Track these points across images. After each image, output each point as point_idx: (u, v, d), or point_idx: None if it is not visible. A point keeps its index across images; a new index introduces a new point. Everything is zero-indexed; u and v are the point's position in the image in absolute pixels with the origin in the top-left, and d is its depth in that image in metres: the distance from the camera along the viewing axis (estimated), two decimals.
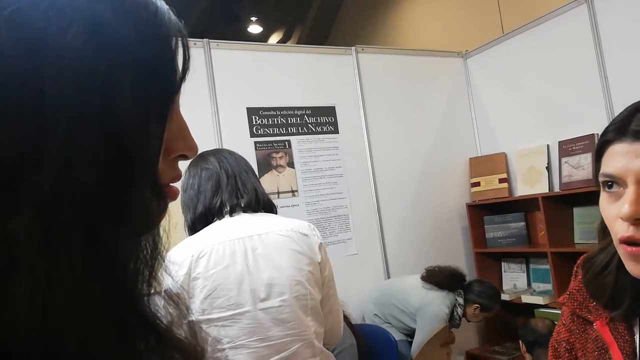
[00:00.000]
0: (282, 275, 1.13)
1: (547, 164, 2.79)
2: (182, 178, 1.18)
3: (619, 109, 2.51)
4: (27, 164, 0.28)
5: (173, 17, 0.39)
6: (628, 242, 0.62)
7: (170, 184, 0.42)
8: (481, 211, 3.12)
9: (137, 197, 0.34)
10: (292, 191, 2.66)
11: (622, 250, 0.65)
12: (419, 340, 2.37)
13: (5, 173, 0.27)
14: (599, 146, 0.69)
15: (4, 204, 0.27)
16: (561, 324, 0.85)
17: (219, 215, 1.18)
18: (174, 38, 0.38)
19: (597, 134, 2.54)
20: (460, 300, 2.46)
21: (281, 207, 2.61)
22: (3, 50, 0.28)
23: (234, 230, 1.14)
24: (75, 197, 0.29)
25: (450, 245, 3.08)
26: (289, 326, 1.12)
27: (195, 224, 1.19)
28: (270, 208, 1.26)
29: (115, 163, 0.32)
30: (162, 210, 0.39)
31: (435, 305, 2.39)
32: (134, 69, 0.33)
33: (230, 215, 1.17)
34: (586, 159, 2.55)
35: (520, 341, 2.27)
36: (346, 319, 2.13)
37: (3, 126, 0.28)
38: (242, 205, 1.19)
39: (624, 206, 0.61)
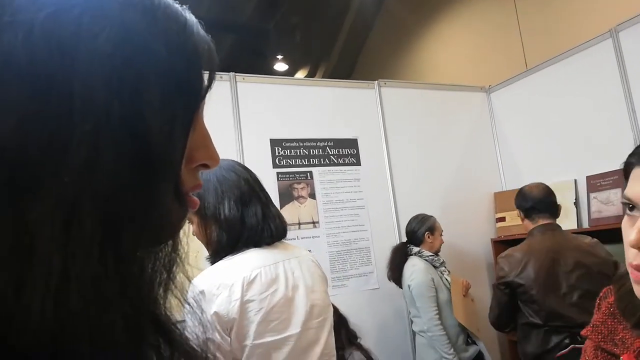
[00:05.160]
0: (318, 297, 1.18)
1: (575, 199, 2.72)
2: (210, 197, 1.16)
3: None
4: (52, 160, 0.29)
5: (201, 30, 0.40)
6: (637, 269, 0.63)
7: (191, 194, 0.42)
8: (507, 247, 3.03)
9: (159, 200, 0.34)
10: (313, 222, 2.65)
11: (630, 274, 0.66)
12: (429, 315, 2.37)
13: (31, 166, 0.28)
14: (625, 167, 0.69)
15: (28, 196, 0.28)
16: None
17: (259, 242, 1.16)
18: (201, 50, 0.39)
19: None
20: (415, 250, 2.54)
21: (302, 238, 2.60)
22: (36, 51, 0.29)
23: (271, 254, 1.16)
24: (97, 196, 0.30)
25: (474, 282, 2.99)
26: (325, 346, 1.17)
27: (231, 249, 1.15)
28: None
29: (139, 166, 0.32)
30: (183, 217, 0.39)
31: (410, 274, 2.46)
32: (162, 77, 0.34)
33: (268, 243, 1.18)
34: (616, 195, 2.49)
35: (518, 211, 2.24)
36: (365, 352, 2.08)
37: (32, 122, 0.29)
38: (275, 234, 1.19)
39: (632, 233, 0.61)
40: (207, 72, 0.39)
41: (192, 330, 0.38)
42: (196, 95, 0.38)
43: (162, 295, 0.35)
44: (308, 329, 1.14)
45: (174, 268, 0.36)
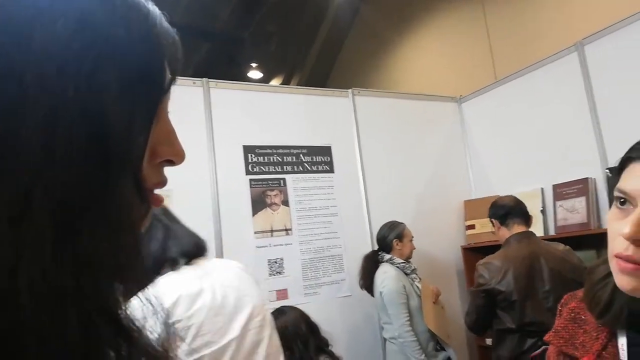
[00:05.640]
0: (252, 299, 1.19)
1: (542, 207, 2.79)
2: None
3: (611, 153, 2.55)
4: (3, 148, 0.27)
5: (165, 23, 0.39)
6: (625, 259, 0.64)
7: (155, 191, 0.41)
8: (476, 254, 3.08)
9: (117, 196, 0.33)
10: (286, 230, 2.64)
11: (614, 264, 0.67)
12: (400, 321, 2.40)
13: None
14: (622, 161, 0.70)
15: None
16: None
17: (171, 265, 1.17)
18: (165, 42, 0.38)
19: (591, 178, 2.58)
20: (387, 257, 2.57)
21: (275, 245, 2.58)
22: None
23: (192, 271, 1.16)
24: (50, 187, 0.28)
25: (444, 289, 3.02)
26: (269, 345, 1.17)
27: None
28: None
29: (95, 156, 0.31)
30: (145, 215, 0.38)
31: (381, 281, 2.49)
32: (121, 65, 0.33)
33: (186, 262, 1.18)
34: (580, 203, 2.56)
35: (492, 220, 2.34)
36: (336, 359, 2.07)
37: None
38: (186, 251, 1.19)
39: (627, 226, 0.63)
40: (172, 65, 0.39)
41: (153, 330, 0.37)
42: (159, 86, 0.37)
43: (122, 295, 0.33)
44: (248, 330, 1.14)
45: (137, 267, 0.35)
